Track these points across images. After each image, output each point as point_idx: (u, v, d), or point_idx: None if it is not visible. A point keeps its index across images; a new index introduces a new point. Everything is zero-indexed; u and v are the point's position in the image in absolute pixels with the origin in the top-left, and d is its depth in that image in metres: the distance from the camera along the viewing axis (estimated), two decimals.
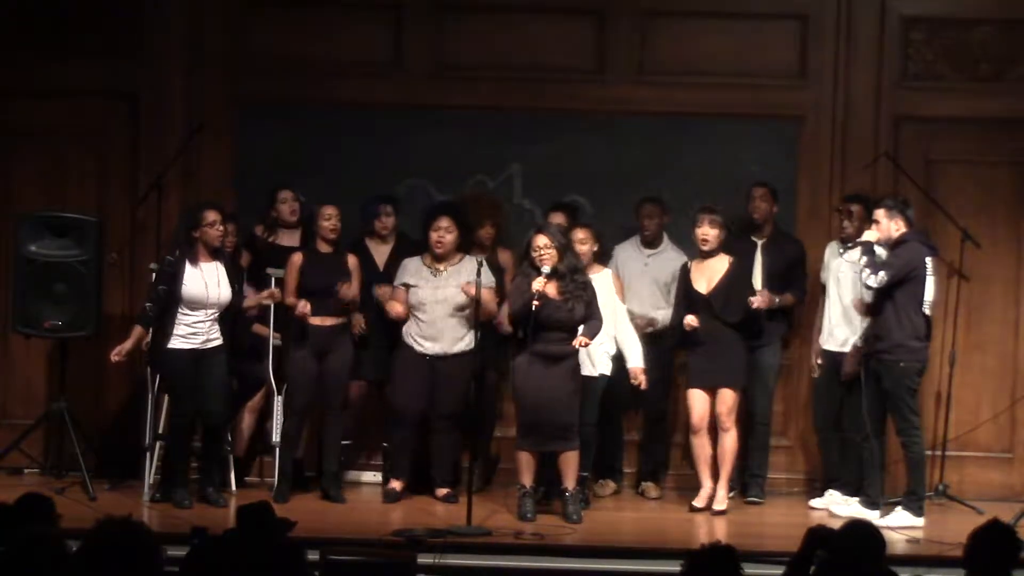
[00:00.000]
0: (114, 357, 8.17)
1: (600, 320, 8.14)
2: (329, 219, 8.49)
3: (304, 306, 8.32)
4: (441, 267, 8.53)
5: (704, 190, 9.04)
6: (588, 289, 8.10)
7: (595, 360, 8.36)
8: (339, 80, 9.26)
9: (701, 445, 8.50)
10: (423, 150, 9.27)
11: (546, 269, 7.96)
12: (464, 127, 9.29)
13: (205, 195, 8.95)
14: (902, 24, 9.24)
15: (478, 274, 8.14)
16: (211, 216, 8.18)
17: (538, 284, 7.90)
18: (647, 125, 9.27)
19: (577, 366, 8.12)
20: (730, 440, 8.44)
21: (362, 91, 9.29)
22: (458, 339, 8.51)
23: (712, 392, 8.44)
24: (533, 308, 7.88)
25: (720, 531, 8.01)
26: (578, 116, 9.28)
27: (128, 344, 8.16)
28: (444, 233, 8.48)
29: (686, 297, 8.47)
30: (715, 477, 8.50)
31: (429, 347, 8.50)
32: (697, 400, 8.46)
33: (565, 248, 8.06)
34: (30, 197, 9.22)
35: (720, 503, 8.43)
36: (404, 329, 8.55)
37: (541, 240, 8.03)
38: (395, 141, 9.26)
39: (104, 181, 9.34)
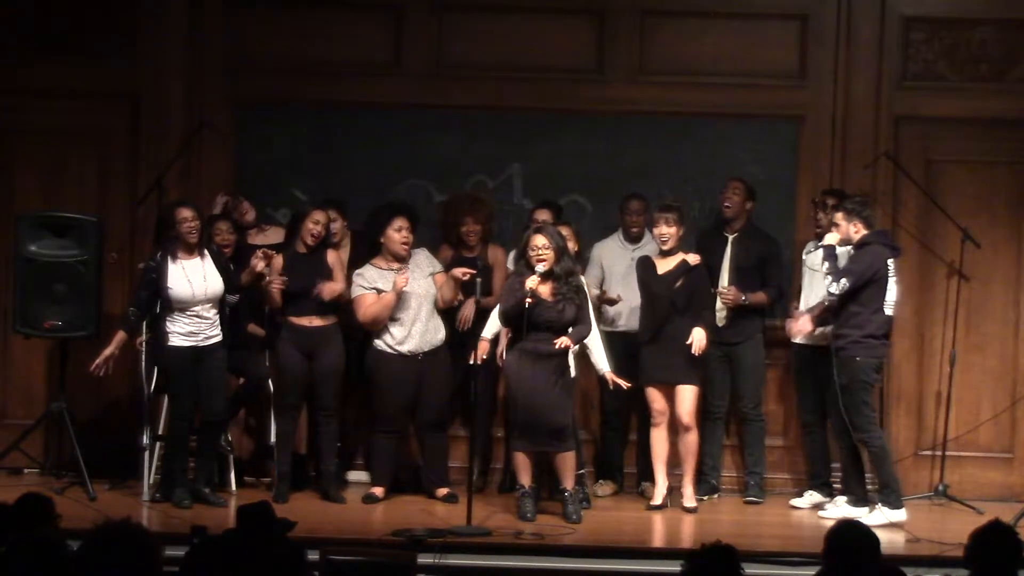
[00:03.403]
0: (96, 371, 8.14)
1: (589, 326, 8.15)
2: (317, 224, 8.44)
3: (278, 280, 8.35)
4: (398, 267, 8.49)
5: (704, 190, 9.06)
6: (580, 293, 8.10)
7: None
8: (339, 80, 9.26)
9: (659, 441, 8.50)
10: (423, 150, 9.27)
11: (540, 268, 7.96)
12: (464, 127, 9.29)
13: (205, 195, 8.95)
14: (902, 24, 9.24)
15: (475, 277, 8.24)
16: (183, 213, 8.14)
17: (531, 283, 7.90)
18: (647, 125, 9.27)
19: (565, 366, 8.11)
20: (692, 437, 8.45)
21: (362, 91, 9.29)
22: (435, 331, 8.52)
23: (668, 389, 8.44)
24: (526, 306, 7.88)
25: (719, 531, 7.99)
26: (578, 116, 9.29)
27: (109, 350, 8.14)
28: (407, 233, 8.47)
29: (648, 292, 8.45)
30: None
31: (411, 346, 8.48)
32: (655, 397, 8.46)
33: (563, 250, 8.05)
34: (30, 197, 9.22)
35: (689, 500, 8.45)
36: (377, 338, 8.50)
37: (539, 240, 8.03)
38: (395, 141, 9.26)
39: (104, 181, 9.34)
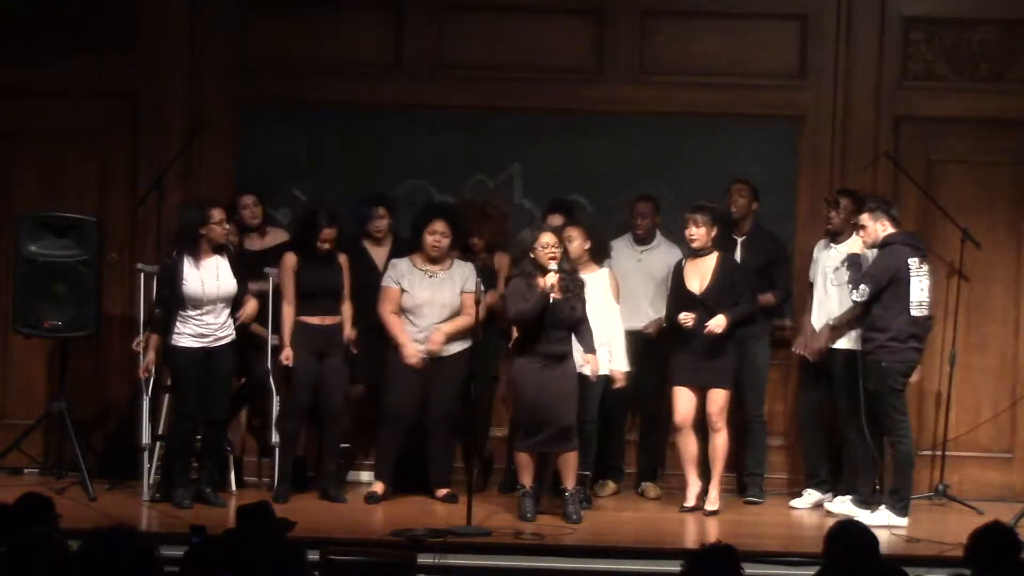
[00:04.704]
0: (143, 374, 8.21)
1: (588, 323, 8.16)
2: (324, 243, 8.37)
3: (287, 355, 8.38)
4: (435, 269, 8.52)
5: (704, 190, 9.04)
6: (583, 288, 8.13)
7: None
8: (339, 80, 9.26)
9: (686, 444, 8.49)
10: (423, 150, 9.26)
11: (554, 266, 7.98)
12: (464, 127, 9.28)
13: (205, 195, 8.93)
14: (902, 24, 9.24)
15: (478, 280, 8.25)
16: (219, 215, 8.18)
17: (552, 278, 7.93)
18: (647, 125, 9.27)
19: (574, 366, 8.14)
20: (721, 440, 8.44)
21: (362, 91, 9.28)
22: (453, 341, 8.53)
23: (699, 391, 8.44)
24: (550, 301, 7.92)
25: (719, 531, 8.00)
26: (578, 116, 9.28)
27: (152, 355, 8.18)
28: (441, 237, 8.48)
29: (679, 296, 8.46)
30: (705, 476, 8.52)
31: (424, 350, 8.50)
32: (682, 398, 8.44)
33: (564, 250, 8.11)
34: (30, 197, 9.21)
35: (712, 503, 8.43)
36: None
37: (549, 238, 8.05)
38: (395, 141, 9.26)
39: (104, 181, 9.33)
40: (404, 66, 9.33)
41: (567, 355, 8.08)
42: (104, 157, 9.35)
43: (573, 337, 8.16)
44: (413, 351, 8.43)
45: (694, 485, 8.50)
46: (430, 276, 8.51)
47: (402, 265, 8.54)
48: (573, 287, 8.06)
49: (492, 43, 9.30)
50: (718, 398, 8.40)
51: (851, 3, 9.22)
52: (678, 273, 8.52)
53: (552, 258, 8.00)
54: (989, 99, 9.21)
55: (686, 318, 8.30)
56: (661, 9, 9.32)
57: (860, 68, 9.25)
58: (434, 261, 8.52)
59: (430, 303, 8.48)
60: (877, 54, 9.23)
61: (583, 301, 8.10)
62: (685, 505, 8.48)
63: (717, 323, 8.28)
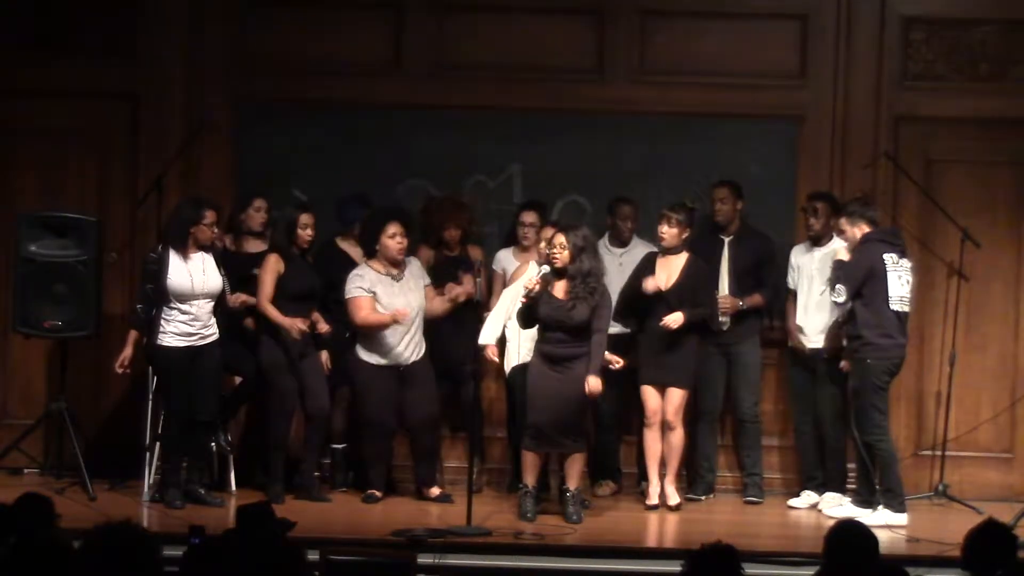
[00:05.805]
0: (119, 369, 8.20)
1: (604, 332, 8.08)
2: (305, 228, 8.39)
3: (300, 325, 8.32)
4: (397, 272, 8.49)
5: (704, 190, 9.05)
6: (597, 294, 8.04)
7: None
8: (339, 80, 9.27)
9: (652, 441, 8.51)
10: (423, 150, 9.27)
11: (546, 268, 7.98)
12: (464, 127, 9.29)
13: (205, 195, 8.93)
14: (902, 24, 9.24)
15: (477, 273, 8.32)
16: (211, 217, 8.17)
17: (529, 283, 7.95)
18: (647, 125, 9.27)
19: (584, 367, 8.11)
20: (676, 438, 8.47)
21: (362, 91, 9.29)
22: (421, 344, 8.54)
23: (662, 389, 8.45)
24: (522, 303, 7.94)
25: (719, 531, 7.99)
26: (578, 116, 9.29)
27: (128, 351, 8.18)
28: (401, 238, 8.45)
29: (639, 286, 8.44)
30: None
31: (395, 358, 8.45)
32: (649, 396, 8.48)
33: (581, 250, 8.04)
34: (30, 197, 9.22)
35: (672, 498, 8.46)
36: (361, 343, 8.49)
37: (558, 239, 8.05)
38: (395, 141, 9.26)
39: (104, 181, 9.34)
40: (404, 66, 9.33)
41: (572, 357, 8.03)
42: (104, 157, 9.35)
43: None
44: (404, 314, 8.33)
45: (656, 483, 8.52)
46: (395, 280, 8.49)
47: (369, 275, 8.46)
48: (582, 292, 8.00)
49: (492, 43, 9.30)
50: (674, 397, 8.42)
51: (851, 3, 9.23)
52: (647, 265, 8.49)
53: (554, 257, 8.02)
54: (989, 99, 9.21)
55: (613, 360, 8.19)
56: (661, 9, 9.33)
57: (860, 68, 9.25)
58: (395, 264, 8.49)
59: (406, 306, 8.43)
60: (877, 54, 9.24)
61: (592, 307, 8.00)
62: (649, 503, 8.50)
63: (674, 318, 8.30)
